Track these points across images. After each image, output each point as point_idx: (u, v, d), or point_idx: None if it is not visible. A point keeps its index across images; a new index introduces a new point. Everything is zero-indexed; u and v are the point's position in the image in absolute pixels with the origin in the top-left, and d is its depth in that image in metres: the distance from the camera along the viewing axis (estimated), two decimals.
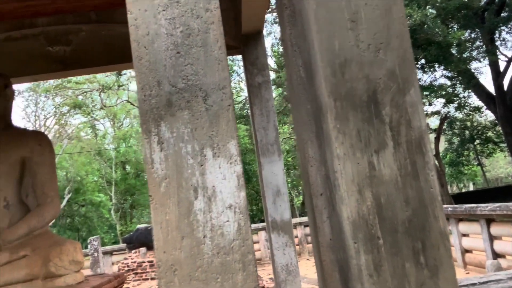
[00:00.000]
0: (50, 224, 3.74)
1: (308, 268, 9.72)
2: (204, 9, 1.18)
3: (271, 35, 20.12)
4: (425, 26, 12.78)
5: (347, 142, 1.16)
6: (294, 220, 12.78)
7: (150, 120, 1.15)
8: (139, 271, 8.39)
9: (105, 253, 12.12)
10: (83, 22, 4.94)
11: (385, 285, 1.17)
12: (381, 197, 1.16)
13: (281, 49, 18.49)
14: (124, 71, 17.85)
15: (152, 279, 8.22)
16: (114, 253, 12.81)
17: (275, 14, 17.29)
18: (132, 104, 21.57)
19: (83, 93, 20.57)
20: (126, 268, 8.29)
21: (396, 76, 1.22)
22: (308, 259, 12.05)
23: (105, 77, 19.14)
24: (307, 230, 13.44)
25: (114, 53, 5.08)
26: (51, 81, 18.07)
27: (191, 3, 1.18)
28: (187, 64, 1.17)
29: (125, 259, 8.75)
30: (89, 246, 10.50)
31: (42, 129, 22.62)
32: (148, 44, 1.17)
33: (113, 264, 12.25)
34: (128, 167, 32.20)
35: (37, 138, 3.65)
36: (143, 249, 8.66)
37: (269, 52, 18.67)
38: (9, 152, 3.51)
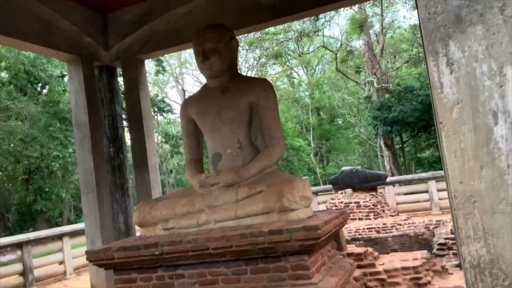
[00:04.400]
0: None
1: None
2: None
3: None
4: None
5: None
6: None
7: (437, 40, 1.05)
8: (338, 210, 8.63)
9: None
10: None
11: None
12: None
13: None
14: (321, 15, 17.86)
15: (360, 219, 8.38)
16: (319, 193, 13.52)
17: None
18: (327, 49, 21.64)
19: (279, 44, 21.47)
20: (334, 208, 8.64)
21: None
22: None
23: (302, 24, 19.52)
24: None
25: None
26: (252, 34, 19.31)
27: None
28: None
29: (332, 199, 9.09)
30: None
31: None
32: None
33: (318, 203, 12.95)
34: (322, 113, 33.05)
35: (262, 84, 3.91)
36: (349, 190, 8.85)
37: None
38: (238, 98, 3.85)
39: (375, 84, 19.85)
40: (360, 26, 18.20)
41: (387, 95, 20.29)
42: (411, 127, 18.23)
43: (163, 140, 26.98)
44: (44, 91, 21.57)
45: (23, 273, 9.59)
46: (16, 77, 18.69)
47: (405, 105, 17.50)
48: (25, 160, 18.88)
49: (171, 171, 27.73)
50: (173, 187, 27.19)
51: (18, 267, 9.60)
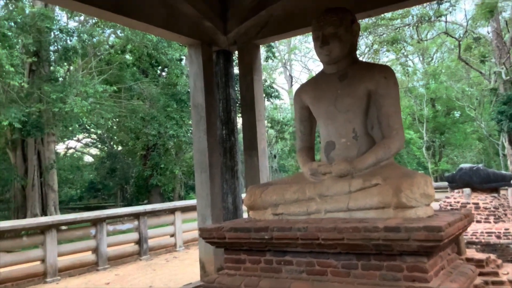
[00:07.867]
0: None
1: None
2: None
3: None
4: None
5: None
6: None
7: None
8: (462, 212, 7.98)
9: None
10: None
11: None
12: None
13: None
14: None
15: (478, 222, 7.69)
16: None
17: None
18: (449, 35, 19.99)
19: (395, 29, 20.39)
20: (448, 207, 8.03)
21: None
22: None
23: (422, 8, 18.26)
24: None
25: None
26: (366, 19, 18.58)
27: None
28: None
29: (447, 197, 8.45)
30: None
31: None
32: None
33: None
34: (437, 105, 30.86)
35: (382, 71, 3.68)
36: (467, 190, 8.15)
37: None
38: (356, 85, 3.68)
39: (503, 76, 17.96)
40: (491, 10, 16.48)
41: None
42: None
43: (269, 125, 27.38)
44: (163, 73, 23.04)
45: (138, 242, 10.42)
46: (140, 59, 20.21)
47: None
48: (144, 137, 20.43)
49: (275, 156, 28.12)
50: (276, 172, 27.57)
51: (135, 235, 10.44)
